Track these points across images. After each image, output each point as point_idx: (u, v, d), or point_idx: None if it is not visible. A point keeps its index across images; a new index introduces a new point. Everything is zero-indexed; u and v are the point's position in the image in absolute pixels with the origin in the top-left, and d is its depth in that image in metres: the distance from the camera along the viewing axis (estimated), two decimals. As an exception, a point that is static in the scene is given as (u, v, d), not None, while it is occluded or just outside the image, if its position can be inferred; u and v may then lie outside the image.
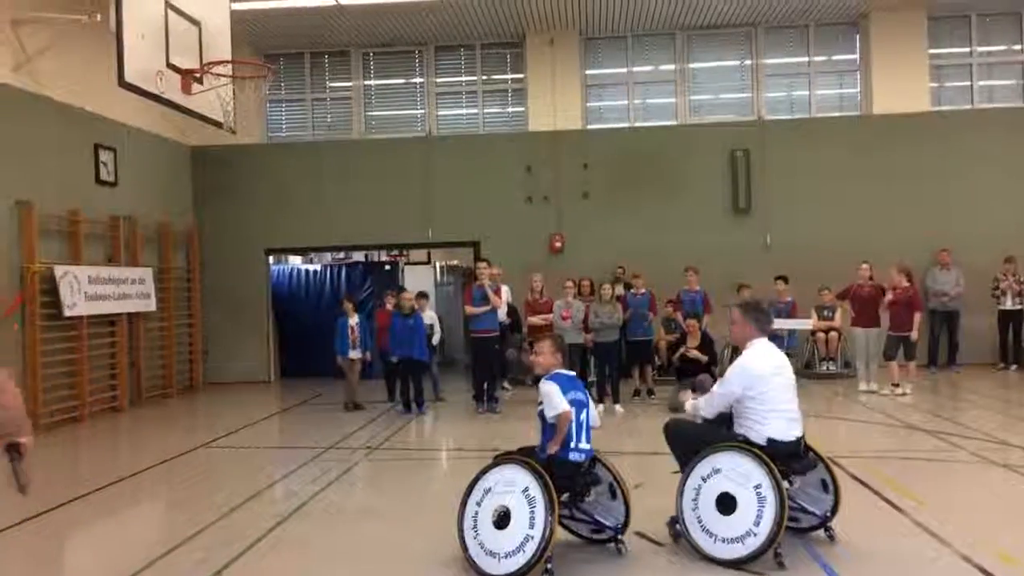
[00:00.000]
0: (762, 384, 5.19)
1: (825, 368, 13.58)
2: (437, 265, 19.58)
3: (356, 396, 11.95)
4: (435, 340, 12.71)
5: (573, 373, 5.47)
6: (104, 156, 12.59)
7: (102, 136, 12.54)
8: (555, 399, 5.07)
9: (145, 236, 13.48)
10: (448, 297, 18.96)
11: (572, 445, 5.13)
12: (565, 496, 5.10)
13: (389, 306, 12.33)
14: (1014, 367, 13.77)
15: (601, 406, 11.00)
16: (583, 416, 5.23)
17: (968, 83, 15.28)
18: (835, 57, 15.64)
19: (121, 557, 5.65)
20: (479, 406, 11.39)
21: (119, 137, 12.93)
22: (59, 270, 11.08)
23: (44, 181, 11.19)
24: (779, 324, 11.78)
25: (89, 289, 11.61)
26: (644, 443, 8.72)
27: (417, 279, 17.60)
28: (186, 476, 8.33)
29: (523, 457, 5.07)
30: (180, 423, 12.04)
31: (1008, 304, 13.81)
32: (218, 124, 9.12)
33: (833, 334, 13.48)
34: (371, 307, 15.33)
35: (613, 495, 5.40)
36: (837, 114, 15.48)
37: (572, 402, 5.14)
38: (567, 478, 5.06)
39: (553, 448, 5.06)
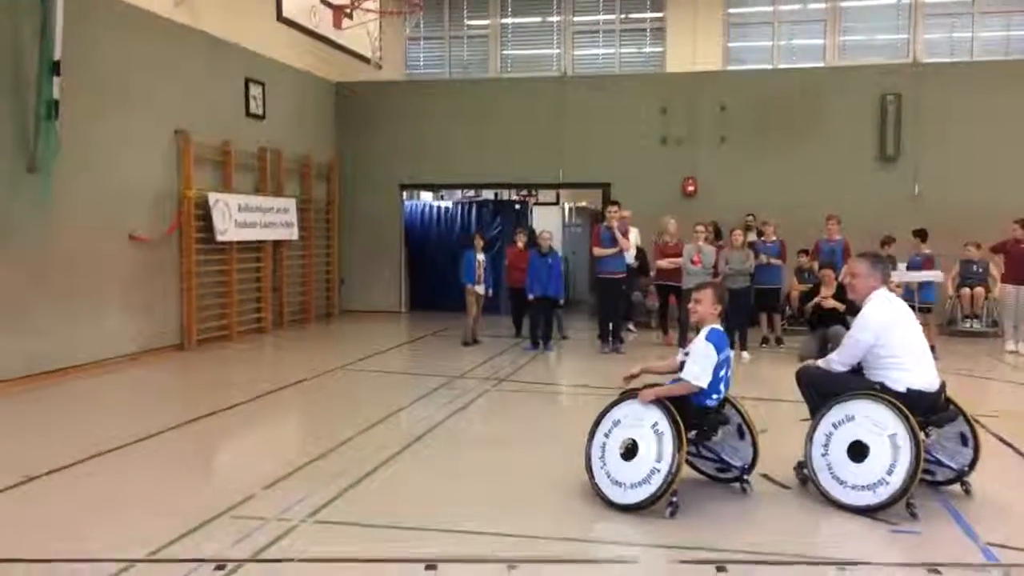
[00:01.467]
0: (891, 331, 5.10)
1: (969, 326, 12.96)
2: (565, 206, 19.61)
3: (476, 331, 12.19)
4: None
5: (723, 329, 5.28)
6: (254, 90, 13.16)
7: (252, 71, 13.10)
8: (700, 367, 4.98)
9: (289, 168, 14.10)
10: (575, 238, 19.00)
11: (711, 395, 5.13)
12: (692, 434, 5.12)
13: (520, 244, 12.49)
14: None
15: (745, 354, 10.95)
16: (729, 373, 5.23)
17: None
18: (1004, -5, 14.51)
19: (267, 464, 6.07)
20: (603, 346, 11.49)
21: (268, 72, 13.47)
22: (212, 197, 11.76)
23: (199, 112, 11.81)
24: (909, 277, 11.28)
25: (239, 216, 12.28)
26: (769, 390, 8.63)
27: (545, 219, 17.72)
28: (326, 394, 8.85)
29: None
30: (319, 345, 12.70)
31: None
32: (366, 59, 9.39)
33: (979, 290, 12.78)
34: (499, 245, 15.62)
35: (741, 435, 5.40)
36: (1002, 58, 14.38)
37: (724, 361, 5.10)
38: (696, 417, 5.10)
39: (658, 393, 5.05)
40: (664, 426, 4.87)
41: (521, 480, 5.65)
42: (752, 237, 12.69)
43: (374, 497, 5.32)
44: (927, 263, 11.52)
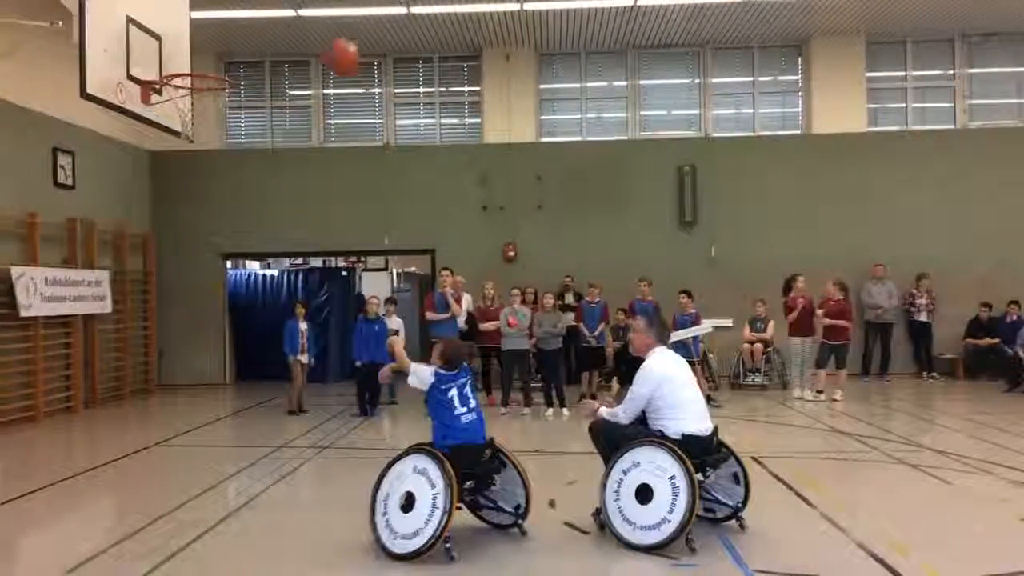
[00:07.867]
0: (667, 384, 5.68)
1: (751, 380, 13.85)
2: (394, 271, 19.90)
3: (301, 400, 12.15)
4: (399, 345, 13.01)
5: (455, 371, 5.78)
6: (62, 159, 12.74)
7: (60, 139, 12.70)
8: (421, 375, 5.75)
9: (102, 239, 13.63)
10: (404, 303, 19.24)
11: (456, 414, 5.62)
12: (469, 484, 5.61)
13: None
14: (924, 374, 14.80)
15: (551, 410, 11.50)
16: (466, 390, 5.75)
17: (903, 105, 16.00)
18: (779, 78, 16.27)
19: (75, 545, 5.90)
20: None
21: (78, 141, 13.09)
22: (15, 271, 11.23)
23: (1, 183, 11.32)
24: (679, 335, 11.82)
25: (46, 290, 11.76)
26: (587, 444, 9.10)
27: (374, 285, 17.91)
28: (139, 473, 8.58)
29: (425, 445, 5.57)
30: (134, 423, 12.21)
31: (923, 317, 14.81)
32: (176, 134, 9.35)
33: (758, 346, 13.82)
34: (327, 313, 15.71)
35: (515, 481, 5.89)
36: (780, 132, 16.11)
37: (450, 388, 5.68)
38: (469, 463, 5.54)
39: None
40: (435, 473, 5.31)
41: (325, 541, 5.79)
42: (571, 299, 13.52)
43: (179, 573, 5.29)
44: (697, 320, 12.53)
